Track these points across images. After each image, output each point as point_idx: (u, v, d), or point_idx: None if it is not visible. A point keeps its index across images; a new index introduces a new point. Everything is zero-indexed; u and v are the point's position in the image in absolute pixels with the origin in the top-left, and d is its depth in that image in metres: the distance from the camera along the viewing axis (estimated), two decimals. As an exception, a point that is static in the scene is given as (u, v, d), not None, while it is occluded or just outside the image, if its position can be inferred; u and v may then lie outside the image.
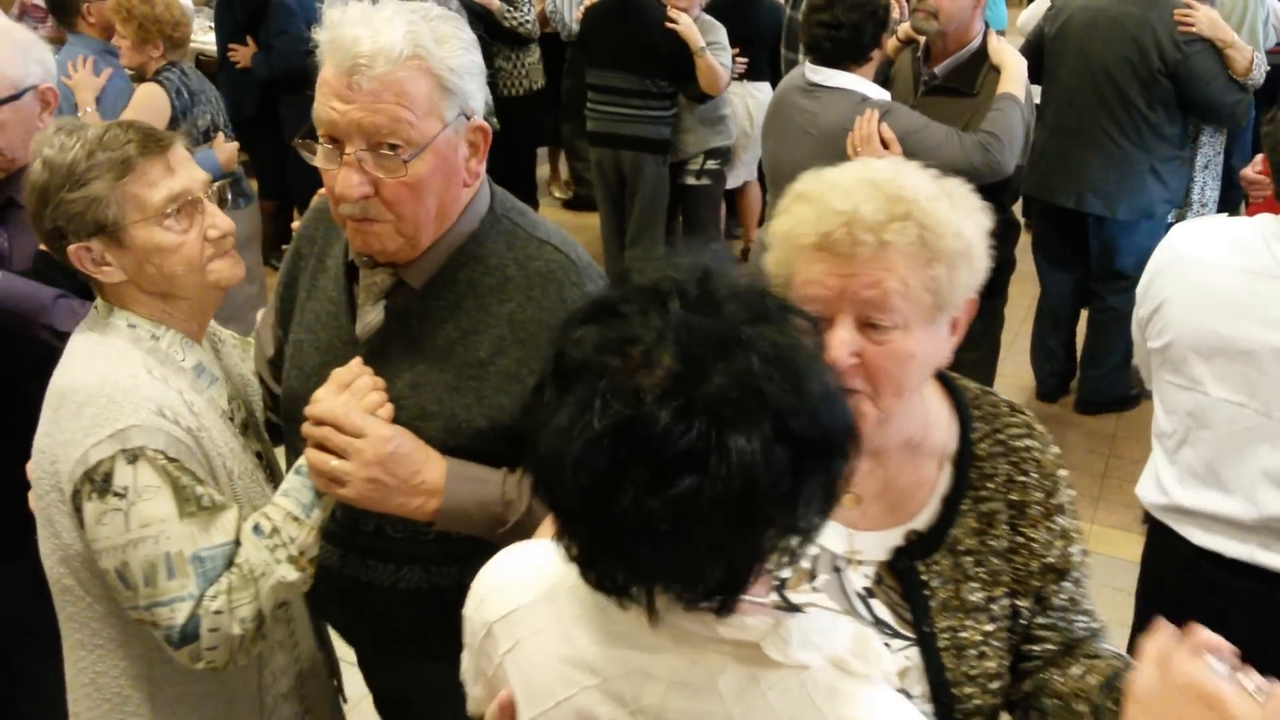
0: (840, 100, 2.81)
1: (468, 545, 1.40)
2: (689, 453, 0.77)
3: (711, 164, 4.76)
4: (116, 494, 1.32)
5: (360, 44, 1.24)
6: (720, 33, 4.43)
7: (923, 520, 1.23)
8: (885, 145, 2.67)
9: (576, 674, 0.95)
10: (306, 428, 1.36)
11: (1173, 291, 1.83)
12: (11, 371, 1.85)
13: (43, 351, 1.72)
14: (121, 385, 1.37)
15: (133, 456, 1.33)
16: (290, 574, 1.39)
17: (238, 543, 1.40)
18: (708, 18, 4.48)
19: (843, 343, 1.09)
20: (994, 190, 2.46)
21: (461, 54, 1.32)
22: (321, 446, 1.35)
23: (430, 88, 1.27)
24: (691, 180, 4.78)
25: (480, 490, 1.39)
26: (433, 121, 1.28)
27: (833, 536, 1.21)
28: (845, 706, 0.89)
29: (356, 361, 1.39)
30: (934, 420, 1.25)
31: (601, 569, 0.88)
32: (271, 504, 1.43)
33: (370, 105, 1.25)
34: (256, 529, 1.40)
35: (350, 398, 1.35)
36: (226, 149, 3.55)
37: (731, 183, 5.16)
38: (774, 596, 1.15)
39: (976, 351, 3.10)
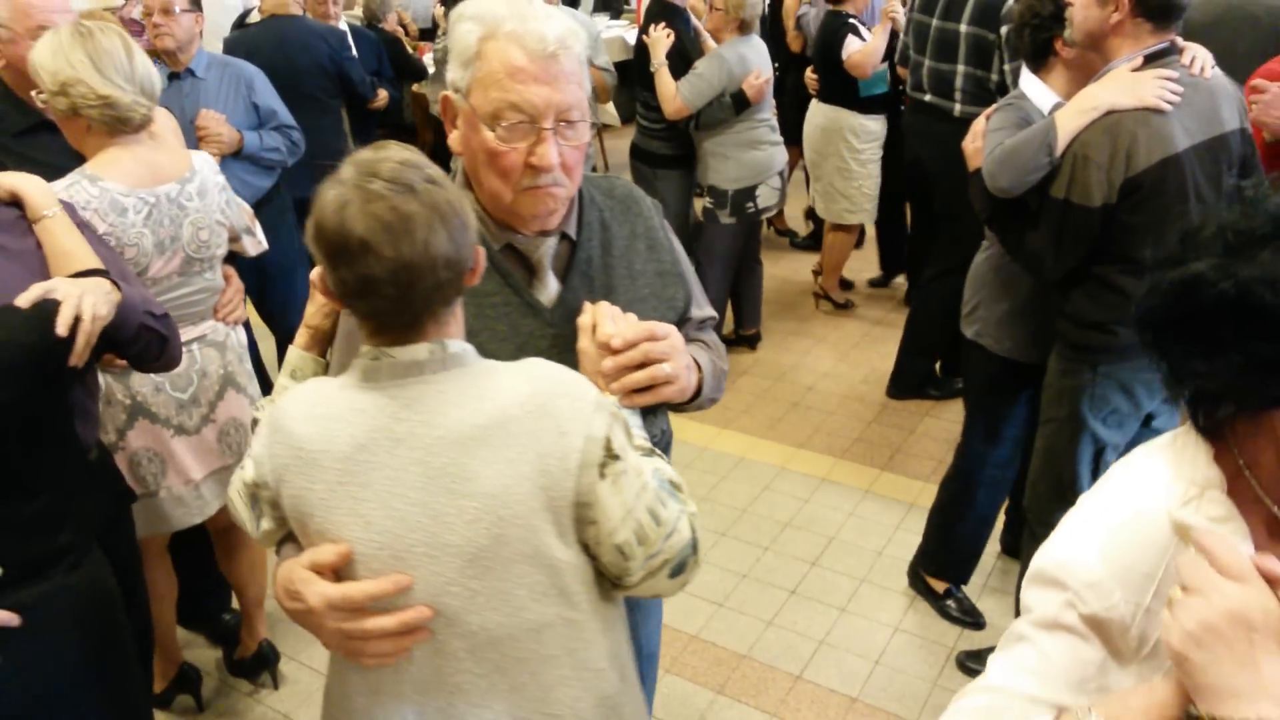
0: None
1: None
2: None
3: (708, 202, 4.66)
4: (617, 456, 1.32)
5: (548, 34, 1.42)
6: (705, 63, 4.41)
7: None
8: None
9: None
10: (625, 356, 1.47)
11: None
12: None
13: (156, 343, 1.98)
14: (541, 372, 1.35)
15: (608, 414, 1.35)
16: None
17: None
18: (711, 43, 4.58)
19: None
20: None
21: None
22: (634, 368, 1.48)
23: (581, 69, 1.50)
24: (698, 213, 4.84)
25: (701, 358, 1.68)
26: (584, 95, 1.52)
27: None
28: None
29: (591, 305, 1.53)
30: None
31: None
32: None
33: (563, 86, 1.44)
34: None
35: (622, 317, 1.51)
36: None
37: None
38: None
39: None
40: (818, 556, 3.53)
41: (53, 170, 2.15)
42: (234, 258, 2.66)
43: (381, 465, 1.27)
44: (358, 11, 5.90)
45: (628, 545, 1.33)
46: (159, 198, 2.33)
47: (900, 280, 5.64)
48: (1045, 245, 2.42)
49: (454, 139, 1.53)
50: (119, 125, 2.23)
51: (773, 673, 3.02)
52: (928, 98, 4.14)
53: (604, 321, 1.48)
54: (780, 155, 4.62)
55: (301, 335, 1.62)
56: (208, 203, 2.45)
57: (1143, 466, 1.18)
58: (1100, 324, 2.45)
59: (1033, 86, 2.66)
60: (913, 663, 3.04)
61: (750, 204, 4.61)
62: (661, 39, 4.45)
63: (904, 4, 4.73)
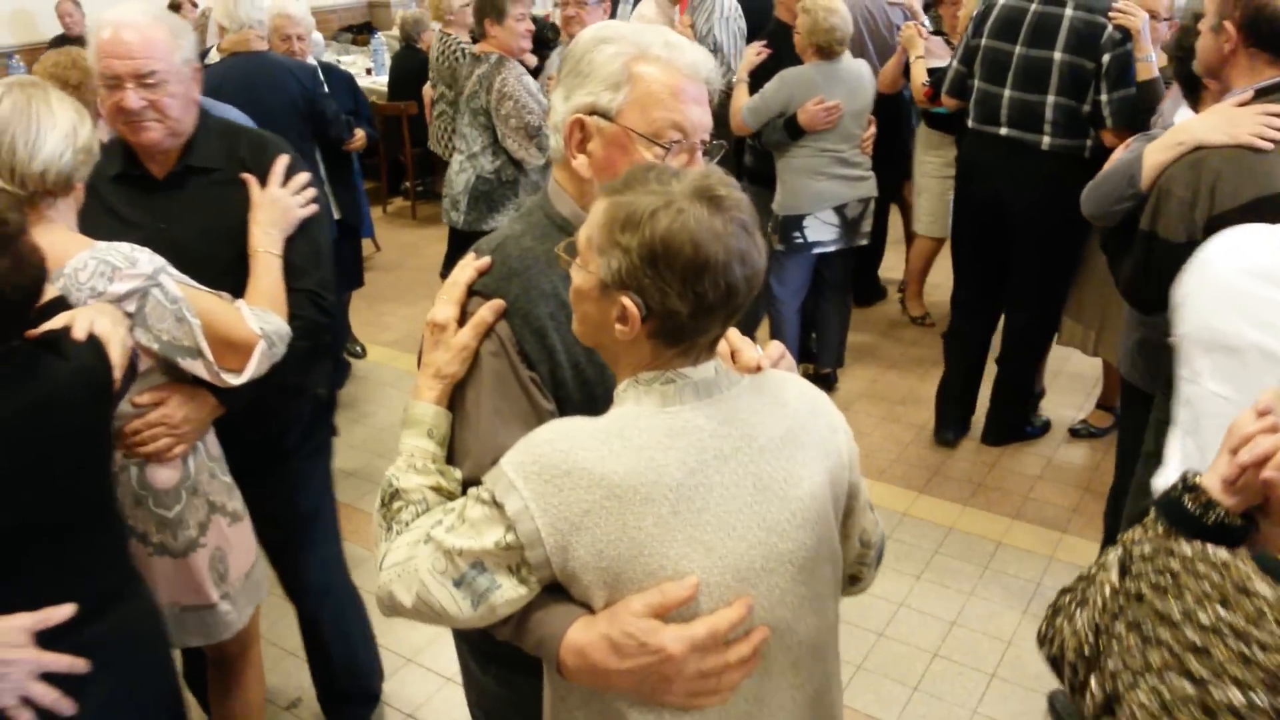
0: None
1: None
2: None
3: (769, 224, 4.44)
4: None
5: (698, 60, 1.49)
6: (770, 84, 4.29)
7: None
8: None
9: None
10: None
11: (1189, 288, 1.88)
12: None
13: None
14: (791, 376, 1.45)
15: None
16: None
17: None
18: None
19: None
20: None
21: None
22: None
23: None
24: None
25: None
26: None
27: None
28: None
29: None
30: None
31: None
32: None
33: (708, 107, 1.51)
34: None
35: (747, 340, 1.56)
36: None
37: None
38: None
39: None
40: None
41: (122, 225, 2.09)
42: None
43: (714, 485, 1.24)
44: (395, 32, 5.68)
45: (866, 533, 1.44)
46: None
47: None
48: (1136, 276, 2.38)
49: (582, 164, 1.50)
50: None
51: None
52: (1005, 131, 3.88)
53: (746, 348, 1.50)
54: (846, 191, 4.33)
55: (431, 388, 1.45)
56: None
57: None
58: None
59: (1182, 118, 2.56)
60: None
61: (798, 234, 4.34)
62: (750, 55, 4.38)
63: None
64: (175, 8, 8.03)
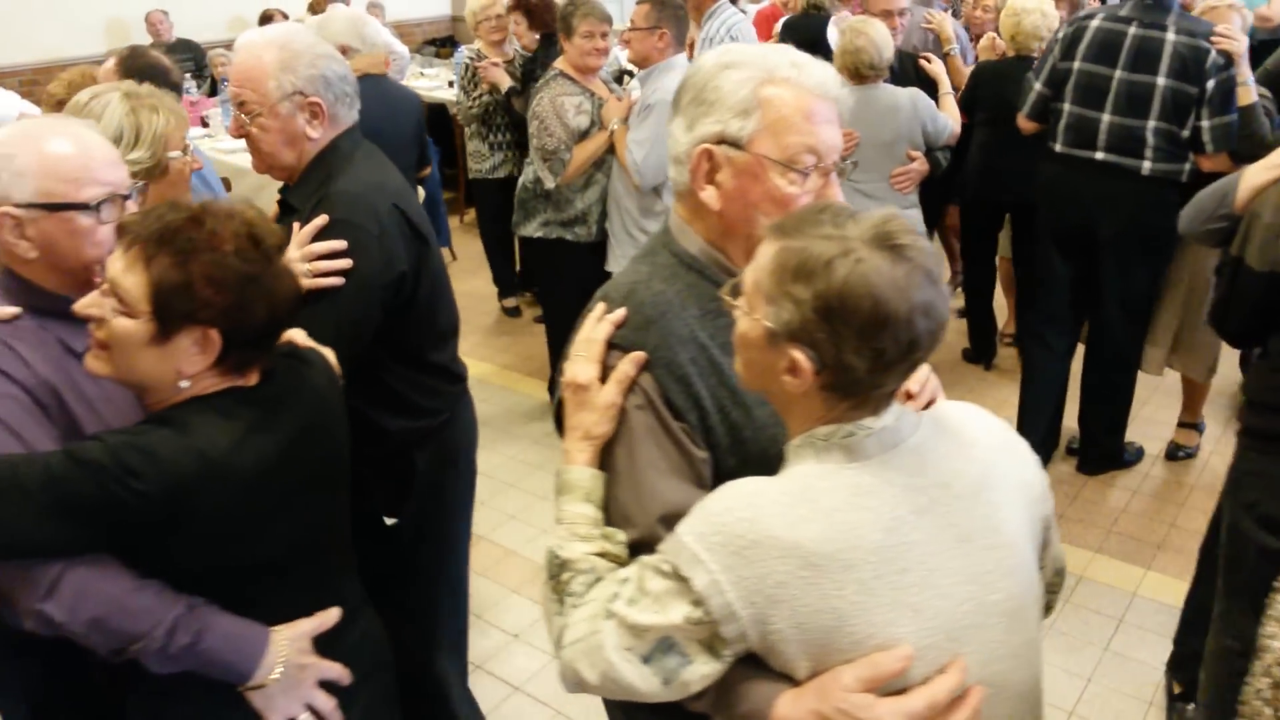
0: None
1: None
2: None
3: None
4: None
5: (826, 78, 1.42)
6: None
7: None
8: None
9: None
10: (922, 397, 1.51)
11: None
12: None
13: None
14: (972, 408, 1.39)
15: None
16: None
17: None
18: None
19: None
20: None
21: None
22: None
23: None
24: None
25: None
26: None
27: None
28: None
29: None
30: None
31: None
32: None
33: (839, 124, 1.44)
34: None
35: None
36: None
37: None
38: None
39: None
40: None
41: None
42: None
43: (914, 543, 1.16)
44: (476, 46, 5.72)
45: (1058, 560, 1.41)
46: None
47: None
48: (1219, 303, 2.32)
49: (711, 195, 1.42)
50: None
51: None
52: (1101, 155, 3.79)
53: None
54: None
55: (583, 450, 1.38)
56: None
57: None
58: (1268, 405, 2.24)
59: None
60: None
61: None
62: None
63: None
64: (267, 21, 8.24)
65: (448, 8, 10.82)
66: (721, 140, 1.39)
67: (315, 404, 1.64)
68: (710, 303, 1.41)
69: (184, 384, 1.49)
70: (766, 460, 1.32)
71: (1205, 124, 3.57)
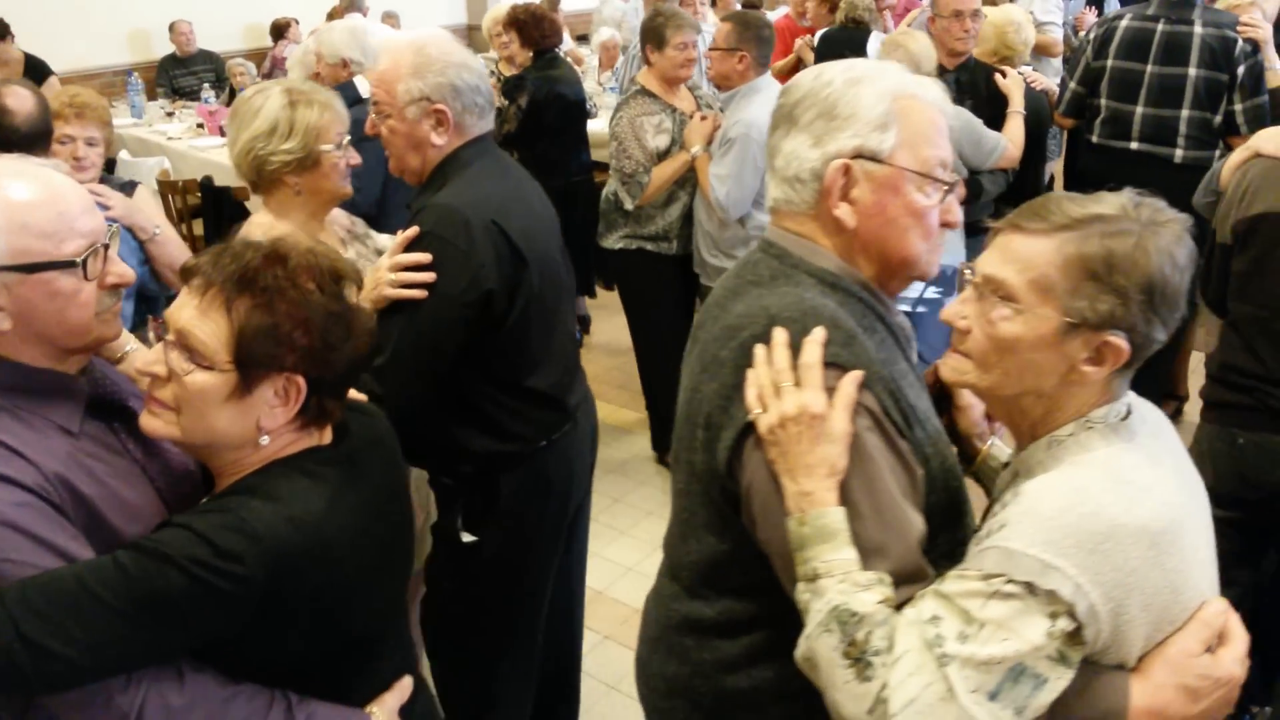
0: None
1: None
2: None
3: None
4: None
5: (940, 92, 1.45)
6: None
7: None
8: None
9: None
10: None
11: None
12: None
13: None
14: None
15: None
16: None
17: None
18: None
19: None
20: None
21: None
22: None
23: None
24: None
25: None
26: None
27: None
28: None
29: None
30: None
31: None
32: None
33: None
34: None
35: None
36: None
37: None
38: None
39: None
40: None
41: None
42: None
43: (1185, 502, 1.25)
44: (493, 55, 5.74)
45: None
46: None
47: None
48: (1203, 273, 2.51)
49: (846, 212, 1.38)
50: None
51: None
52: (1136, 145, 4.01)
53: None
54: None
55: (830, 489, 1.23)
56: None
57: None
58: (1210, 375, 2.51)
59: None
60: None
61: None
62: None
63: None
64: (279, 30, 8.32)
65: (464, 16, 10.88)
66: (859, 154, 1.35)
67: (387, 459, 1.54)
68: (863, 319, 1.37)
69: (264, 440, 1.34)
70: (944, 473, 1.37)
71: (1239, 107, 3.78)
